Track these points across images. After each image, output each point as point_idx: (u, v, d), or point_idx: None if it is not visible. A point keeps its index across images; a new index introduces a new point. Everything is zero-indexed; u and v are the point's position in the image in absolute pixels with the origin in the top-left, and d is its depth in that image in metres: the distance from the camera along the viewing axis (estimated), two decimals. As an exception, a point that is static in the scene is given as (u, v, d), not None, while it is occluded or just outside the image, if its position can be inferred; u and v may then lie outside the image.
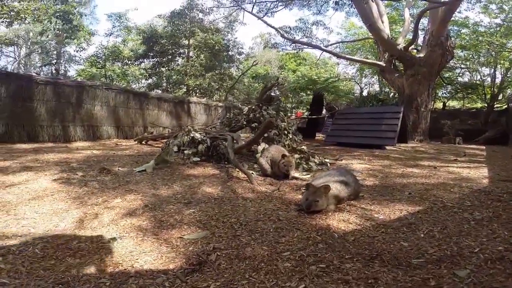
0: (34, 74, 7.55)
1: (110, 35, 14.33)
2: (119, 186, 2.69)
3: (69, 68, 16.19)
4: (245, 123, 4.92)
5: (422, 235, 1.60)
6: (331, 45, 14.19)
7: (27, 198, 2.34)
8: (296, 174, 3.32)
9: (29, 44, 12.18)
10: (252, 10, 11.98)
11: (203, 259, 1.31)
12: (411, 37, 10.29)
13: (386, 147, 6.84)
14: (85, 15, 14.39)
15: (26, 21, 9.54)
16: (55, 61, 13.79)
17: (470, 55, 15.15)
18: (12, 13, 8.26)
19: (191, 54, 15.14)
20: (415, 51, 10.82)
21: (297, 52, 17.16)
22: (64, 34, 11.70)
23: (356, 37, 19.21)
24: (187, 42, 14.62)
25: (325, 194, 1.98)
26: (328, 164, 4.16)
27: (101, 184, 2.76)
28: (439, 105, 17.24)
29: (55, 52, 13.81)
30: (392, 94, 13.04)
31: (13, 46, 10.88)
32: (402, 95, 10.00)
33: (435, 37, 9.26)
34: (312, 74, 18.92)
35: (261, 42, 18.57)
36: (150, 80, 14.65)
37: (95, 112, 7.33)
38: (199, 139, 4.20)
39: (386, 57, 10.88)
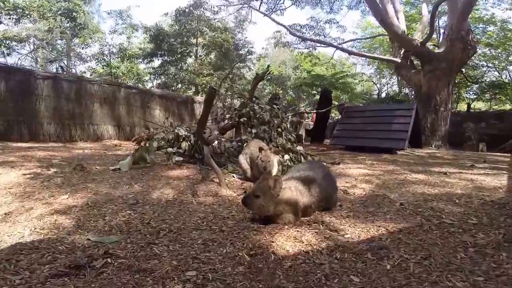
0: (34, 69, 7.66)
1: (114, 32, 14.65)
2: (80, 183, 2.55)
3: (77, 66, 16.77)
4: (237, 119, 4.61)
5: (388, 267, 1.22)
6: (344, 43, 13.67)
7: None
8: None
9: (36, 41, 12.70)
10: (259, 7, 11.77)
11: (84, 264, 1.16)
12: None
13: (398, 151, 6.28)
14: (92, 13, 14.76)
15: (32, 19, 9.97)
16: (60, 58, 14.31)
17: (498, 53, 14.11)
18: (18, 9, 8.62)
19: (200, 53, 15.14)
20: (433, 47, 10.19)
21: (310, 51, 16.80)
22: (70, 32, 12.06)
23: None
24: (195, 41, 14.63)
25: (274, 192, 1.57)
26: None
27: (65, 180, 2.63)
28: (464, 107, 16.17)
29: (61, 50, 14.34)
30: (412, 95, 12.34)
31: (22, 43, 11.36)
32: (419, 93, 9.39)
33: (454, 31, 8.62)
34: (336, 72, 18.43)
35: (274, 42, 18.35)
36: (159, 80, 14.77)
37: (95, 109, 7.31)
38: (183, 136, 3.99)
39: (401, 53, 10.33)
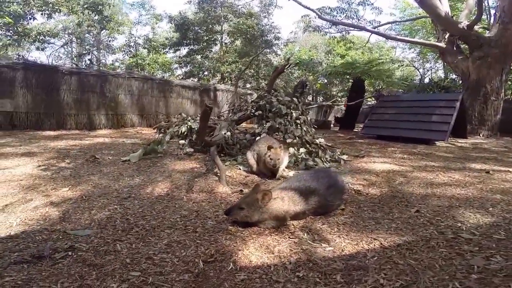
0: (60, 64, 8.22)
1: (138, 23, 15.13)
2: (86, 175, 2.66)
3: (106, 58, 17.69)
4: (253, 111, 4.56)
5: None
6: (380, 26, 12.79)
7: (-4, 181, 2.44)
8: (290, 173, 2.88)
9: (67, 35, 13.59)
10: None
11: (46, 255, 1.23)
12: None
13: (437, 142, 5.85)
14: (117, 5, 15.30)
15: (62, 14, 10.67)
16: (89, 51, 15.20)
17: None
18: (49, 5, 9.27)
19: (225, 40, 15.12)
20: (483, 30, 9.18)
21: (343, 36, 16.02)
22: (98, 25, 12.70)
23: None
24: (220, 28, 14.62)
25: (261, 203, 1.55)
26: (342, 162, 3.63)
27: (73, 172, 2.77)
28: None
29: (91, 43, 15.19)
30: (461, 81, 11.28)
31: (54, 38, 12.24)
32: (467, 81, 8.65)
33: (507, 14, 7.70)
34: (371, 59, 17.39)
35: (303, 27, 17.66)
36: (186, 69, 15.07)
37: (119, 100, 7.71)
38: (196, 129, 4.03)
39: (446, 37, 9.44)
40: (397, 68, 20.72)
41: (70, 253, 1.25)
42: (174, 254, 1.28)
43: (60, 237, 1.41)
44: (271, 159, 2.60)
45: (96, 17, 12.08)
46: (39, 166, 3.04)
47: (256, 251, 1.34)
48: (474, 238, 1.48)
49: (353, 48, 23.24)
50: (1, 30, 9.57)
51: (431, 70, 23.53)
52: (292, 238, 1.49)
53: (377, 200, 2.14)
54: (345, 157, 3.89)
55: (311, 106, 8.57)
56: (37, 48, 11.50)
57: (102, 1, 11.38)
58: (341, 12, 12.61)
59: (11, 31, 10.00)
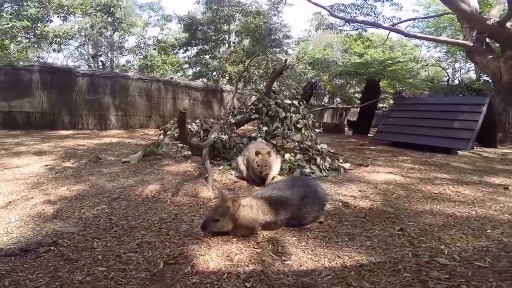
0: (74, 66, 8.72)
1: (147, 25, 15.64)
2: (85, 175, 2.91)
3: (119, 59, 18.43)
4: (252, 114, 4.66)
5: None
6: (400, 23, 12.53)
7: (5, 179, 2.74)
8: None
9: (82, 37, 14.35)
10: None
11: (32, 249, 1.43)
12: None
13: (459, 151, 5.49)
14: (128, 7, 15.94)
15: (77, 16, 11.34)
16: (101, 53, 15.93)
17: None
18: (64, 7, 9.93)
19: (232, 39, 15.36)
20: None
21: (359, 33, 15.82)
22: (111, 27, 13.34)
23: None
24: (227, 28, 14.88)
25: (232, 211, 1.60)
26: (342, 170, 3.56)
27: (74, 172, 3.03)
28: None
29: (105, 44, 15.89)
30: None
31: (70, 40, 13.02)
32: (498, 82, 8.19)
33: None
34: (385, 58, 16.98)
35: (315, 25, 17.58)
36: (195, 69, 15.44)
37: (128, 101, 8.13)
38: (194, 131, 4.24)
39: (473, 34, 9.09)
40: (421, 68, 20.09)
41: (52, 248, 1.46)
42: (141, 254, 1.44)
43: (49, 233, 1.62)
44: (258, 165, 2.65)
45: (109, 19, 12.71)
46: (46, 165, 3.35)
47: (217, 257, 1.45)
48: (451, 264, 1.43)
49: (372, 46, 22.85)
50: (20, 33, 10.29)
51: (460, 70, 22.69)
52: (256, 248, 1.56)
53: (363, 215, 2.11)
54: (347, 165, 3.83)
55: (316, 109, 8.57)
56: (54, 50, 12.33)
57: (113, 3, 11.99)
58: (356, 9, 12.46)
59: (29, 34, 10.75)
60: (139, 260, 1.39)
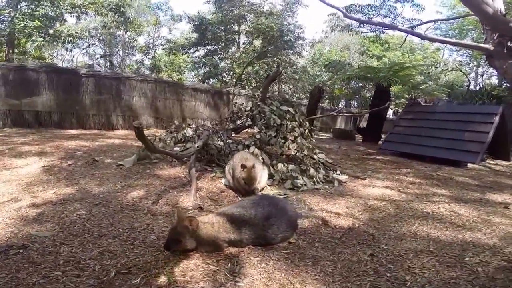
0: (78, 67, 9.10)
1: (155, 25, 16.03)
2: (77, 178, 3.05)
3: (130, 58, 19.01)
4: (249, 120, 4.71)
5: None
6: (420, 24, 12.26)
7: (1, 180, 2.93)
8: (271, 192, 2.96)
9: (95, 36, 14.97)
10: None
11: (2, 250, 1.57)
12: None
13: (468, 164, 5.36)
14: (139, 7, 16.47)
15: (89, 16, 11.86)
16: (108, 53, 16.54)
17: None
18: (76, 7, 10.45)
19: (243, 40, 15.49)
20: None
21: (377, 35, 15.59)
22: (122, 27, 13.84)
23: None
24: (237, 28, 15.01)
25: (190, 230, 1.63)
26: (337, 183, 3.53)
27: (67, 175, 3.19)
28: None
29: (115, 44, 16.49)
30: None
31: (83, 39, 13.64)
32: None
33: None
34: (406, 61, 16.60)
35: (330, 26, 17.45)
36: (204, 70, 15.69)
37: (134, 102, 8.40)
38: (189, 137, 4.35)
39: (494, 37, 8.79)
40: (441, 73, 19.59)
41: (21, 251, 1.59)
42: (100, 262, 1.54)
43: (24, 236, 1.74)
44: (243, 179, 2.68)
45: (120, 19, 13.18)
46: (44, 166, 3.51)
47: (170, 272, 1.50)
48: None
49: (391, 48, 22.46)
50: (34, 32, 10.86)
51: (483, 75, 21.90)
52: (214, 266, 1.59)
53: (340, 235, 2.07)
54: (343, 177, 3.81)
55: (316, 116, 8.51)
56: (66, 49, 12.92)
57: (124, 3, 12.44)
58: (373, 10, 12.29)
59: (43, 33, 11.31)
60: (95, 268, 1.49)
